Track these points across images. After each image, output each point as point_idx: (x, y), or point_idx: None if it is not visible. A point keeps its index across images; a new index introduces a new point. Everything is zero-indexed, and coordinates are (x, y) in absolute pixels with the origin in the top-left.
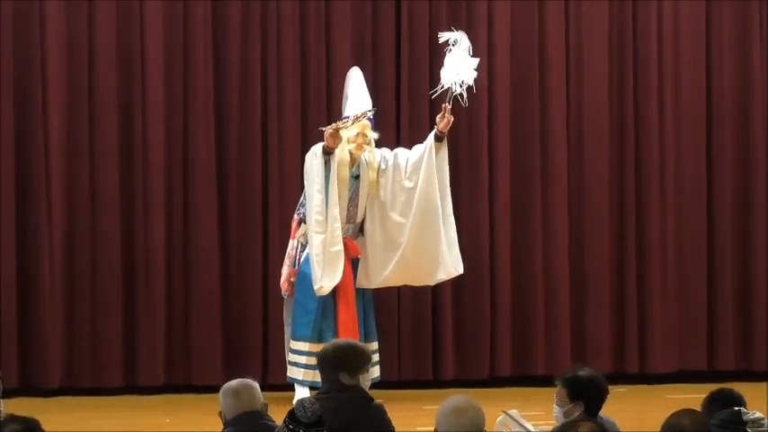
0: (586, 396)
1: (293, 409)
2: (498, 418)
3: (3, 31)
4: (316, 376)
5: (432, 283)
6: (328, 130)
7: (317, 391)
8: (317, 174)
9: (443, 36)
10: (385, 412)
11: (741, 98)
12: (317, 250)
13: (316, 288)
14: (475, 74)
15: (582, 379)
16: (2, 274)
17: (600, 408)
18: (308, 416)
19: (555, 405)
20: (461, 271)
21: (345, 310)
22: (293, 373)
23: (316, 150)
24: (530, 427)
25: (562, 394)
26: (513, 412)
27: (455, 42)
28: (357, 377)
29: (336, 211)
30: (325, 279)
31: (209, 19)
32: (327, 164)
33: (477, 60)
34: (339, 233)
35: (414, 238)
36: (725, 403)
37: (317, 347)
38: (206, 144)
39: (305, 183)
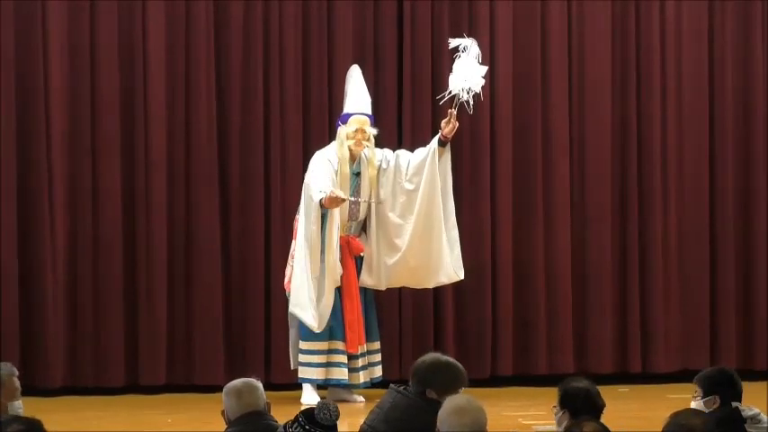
0: (572, 406)
1: (311, 409)
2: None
3: (5, 30)
4: (329, 374)
5: (431, 286)
6: (339, 196)
7: (398, 385)
8: (314, 236)
9: (454, 42)
10: None
11: (743, 97)
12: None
13: (311, 326)
14: (482, 82)
15: (571, 390)
16: (4, 274)
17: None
18: (330, 419)
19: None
20: (462, 276)
21: (350, 310)
22: (306, 373)
23: (313, 194)
24: None
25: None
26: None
27: (465, 49)
28: (444, 397)
29: (337, 276)
30: (319, 320)
31: (211, 19)
32: (324, 218)
33: (485, 68)
34: (333, 294)
35: (416, 242)
36: (720, 381)
37: (326, 345)
38: (208, 144)
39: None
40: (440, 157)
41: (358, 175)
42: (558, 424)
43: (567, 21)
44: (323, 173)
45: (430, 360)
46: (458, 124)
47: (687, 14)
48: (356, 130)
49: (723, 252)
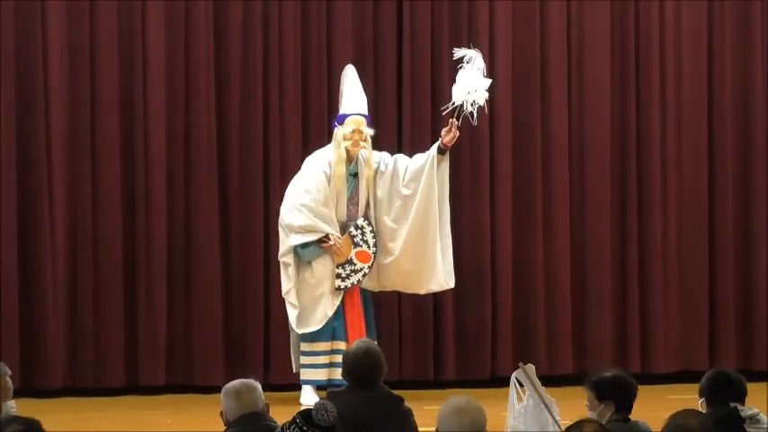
0: (614, 395)
1: (308, 410)
2: (515, 373)
3: (4, 31)
4: (332, 374)
5: (422, 292)
6: (341, 250)
7: (339, 389)
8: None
9: (458, 52)
10: (413, 414)
11: (743, 97)
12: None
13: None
14: (486, 95)
15: (606, 379)
16: (4, 274)
17: (631, 405)
18: (329, 420)
19: (588, 411)
20: (452, 285)
21: (351, 309)
22: (310, 375)
23: (292, 236)
24: (541, 389)
25: (591, 398)
26: (530, 368)
27: (469, 60)
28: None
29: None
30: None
31: (210, 19)
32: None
33: (489, 81)
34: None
35: (409, 248)
36: (726, 385)
37: (329, 346)
38: (207, 144)
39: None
40: (438, 164)
41: (355, 176)
42: (601, 417)
43: (566, 21)
44: (307, 195)
45: (364, 351)
46: (458, 133)
47: (686, 14)
48: (353, 131)
49: (722, 252)
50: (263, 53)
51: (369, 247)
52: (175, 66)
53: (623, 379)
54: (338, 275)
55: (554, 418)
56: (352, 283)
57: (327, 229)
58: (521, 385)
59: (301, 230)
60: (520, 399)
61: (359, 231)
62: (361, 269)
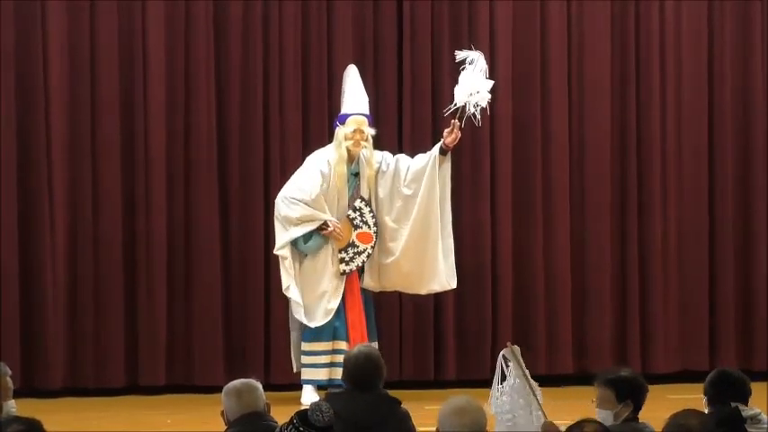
0: (633, 395)
1: (305, 411)
2: (503, 351)
3: (4, 30)
4: (332, 374)
5: (423, 293)
6: (340, 234)
7: (338, 390)
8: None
9: (460, 54)
10: (411, 417)
11: (743, 97)
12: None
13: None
14: (489, 96)
15: (625, 379)
16: (4, 274)
17: (642, 404)
18: (324, 421)
19: (598, 409)
20: (455, 285)
21: (352, 309)
22: (311, 374)
23: (290, 227)
24: (526, 371)
25: (607, 396)
26: (516, 349)
27: (472, 62)
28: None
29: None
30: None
31: (210, 18)
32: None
33: (491, 83)
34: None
35: (410, 248)
36: (728, 385)
37: (330, 346)
38: (208, 144)
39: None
40: (440, 165)
41: (356, 175)
42: (618, 417)
43: (566, 21)
44: (300, 192)
45: (365, 354)
46: (460, 135)
47: (687, 14)
48: (354, 131)
49: (722, 252)
50: (263, 53)
51: (369, 227)
52: (175, 66)
53: (639, 378)
54: (342, 260)
55: (538, 402)
56: (357, 266)
57: (324, 216)
58: (506, 365)
59: (299, 222)
60: (504, 377)
61: (357, 213)
62: (365, 250)
